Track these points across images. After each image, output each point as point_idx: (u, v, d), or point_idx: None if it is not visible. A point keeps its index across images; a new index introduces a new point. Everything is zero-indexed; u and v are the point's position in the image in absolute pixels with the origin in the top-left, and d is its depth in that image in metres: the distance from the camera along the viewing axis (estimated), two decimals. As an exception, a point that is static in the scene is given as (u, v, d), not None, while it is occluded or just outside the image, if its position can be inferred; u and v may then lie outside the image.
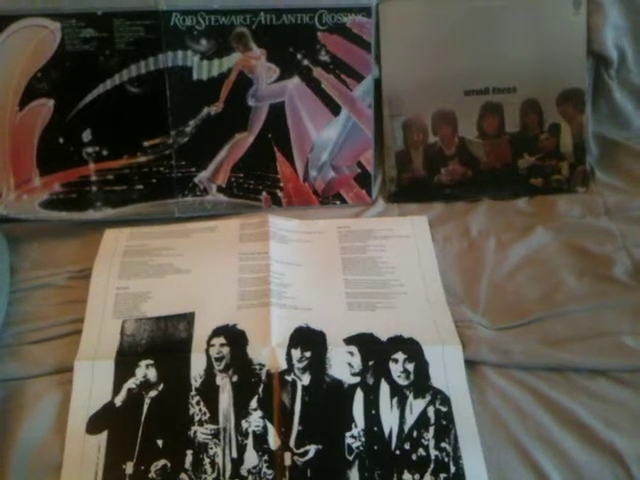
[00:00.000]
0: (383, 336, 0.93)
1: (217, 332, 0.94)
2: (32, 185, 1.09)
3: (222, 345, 0.91)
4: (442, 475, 0.80)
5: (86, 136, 1.09)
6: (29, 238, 1.08)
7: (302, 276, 1.00)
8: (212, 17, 1.08)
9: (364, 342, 0.91)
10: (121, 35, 1.06)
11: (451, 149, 1.17)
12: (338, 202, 1.17)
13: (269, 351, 0.90)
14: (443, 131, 1.17)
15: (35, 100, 1.06)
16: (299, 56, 1.11)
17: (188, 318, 0.95)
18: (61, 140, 1.09)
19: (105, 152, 1.09)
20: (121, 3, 1.04)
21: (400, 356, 0.91)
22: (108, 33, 1.05)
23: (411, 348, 0.91)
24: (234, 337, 0.93)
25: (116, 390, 0.87)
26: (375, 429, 0.83)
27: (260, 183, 1.15)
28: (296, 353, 0.89)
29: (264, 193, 1.16)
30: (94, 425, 0.84)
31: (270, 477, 0.79)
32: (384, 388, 0.87)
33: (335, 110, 1.14)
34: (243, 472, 0.80)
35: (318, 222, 1.11)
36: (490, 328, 0.95)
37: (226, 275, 1.01)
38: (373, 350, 0.91)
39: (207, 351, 0.91)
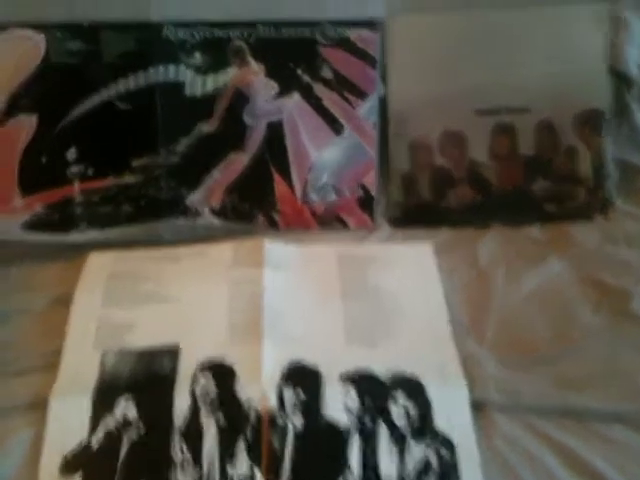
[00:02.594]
0: (382, 373, 0.90)
1: (203, 367, 0.91)
2: (13, 205, 1.07)
3: (208, 381, 0.88)
4: (445, 527, 0.69)
5: (71, 154, 1.08)
6: (8, 260, 1.07)
7: (297, 305, 0.98)
8: (207, 30, 1.07)
9: (362, 379, 0.89)
10: (109, 48, 1.05)
11: (460, 172, 1.15)
12: (339, 226, 1.16)
13: (259, 389, 0.87)
14: (452, 152, 1.15)
15: (17, 115, 1.05)
16: (299, 72, 1.10)
17: (173, 351, 0.93)
18: (44, 158, 1.08)
19: (91, 171, 1.09)
20: (109, 14, 1.03)
21: (400, 395, 0.88)
22: (95, 45, 1.04)
23: (413, 387, 0.88)
24: (221, 372, 0.90)
25: (93, 428, 0.85)
26: (372, 476, 0.81)
27: (256, 205, 1.14)
28: (288, 391, 0.87)
29: (260, 216, 1.14)
30: (68, 465, 0.82)
31: (257, 529, 0.69)
32: (383, 431, 0.84)
33: (337, 129, 1.13)
34: (227, 522, 0.70)
35: (317, 247, 1.09)
36: (498, 366, 0.92)
37: (216, 303, 0.99)
38: (371, 388, 0.88)
39: (192, 388, 0.88)
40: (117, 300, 1.01)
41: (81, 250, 1.07)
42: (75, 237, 1.09)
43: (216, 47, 1.07)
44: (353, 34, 1.09)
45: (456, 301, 1.01)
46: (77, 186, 1.09)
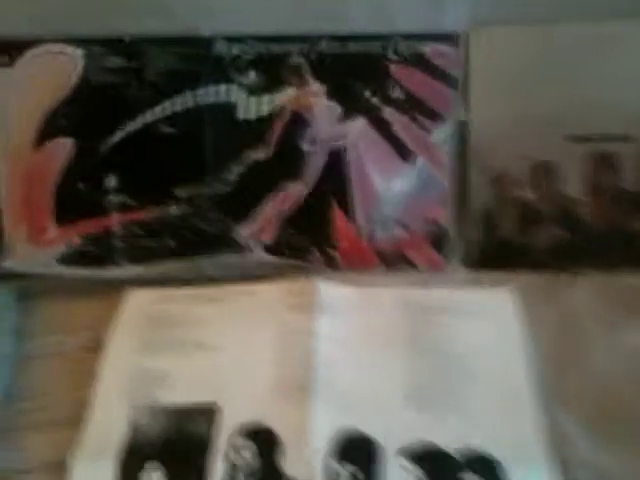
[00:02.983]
0: (450, 447, 0.82)
1: (242, 431, 0.85)
2: (47, 236, 1.05)
3: (247, 449, 0.83)
4: None
5: (110, 182, 1.06)
6: (41, 297, 1.04)
7: (353, 360, 0.92)
8: (262, 45, 1.03)
9: (427, 456, 0.81)
10: (153, 65, 1.02)
11: (548, 207, 1.09)
12: (405, 267, 1.09)
13: (305, 461, 0.80)
14: (539, 185, 1.08)
15: (53, 139, 1.03)
16: (366, 93, 1.05)
17: (209, 410, 0.88)
18: (81, 186, 1.05)
19: (132, 201, 1.05)
20: (153, 27, 1.00)
21: (471, 478, 0.80)
22: (138, 62, 1.02)
23: (486, 467, 0.81)
24: (262, 438, 0.84)
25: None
26: None
27: (312, 241, 1.09)
28: (339, 468, 0.80)
29: (316, 253, 1.09)
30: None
31: None
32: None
33: (407, 157, 1.07)
34: None
35: (379, 291, 1.03)
36: (592, 445, 0.83)
37: (261, 355, 0.94)
38: (439, 468, 0.80)
39: (228, 456, 0.83)
40: (153, 347, 0.97)
41: (119, 287, 1.03)
42: (113, 273, 1.06)
43: (272, 64, 1.03)
44: (429, 49, 1.04)
45: (541, 361, 0.92)
46: (116, 217, 1.05)
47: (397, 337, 0.96)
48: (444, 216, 1.08)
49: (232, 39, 1.02)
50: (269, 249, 1.08)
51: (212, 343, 0.96)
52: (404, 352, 0.93)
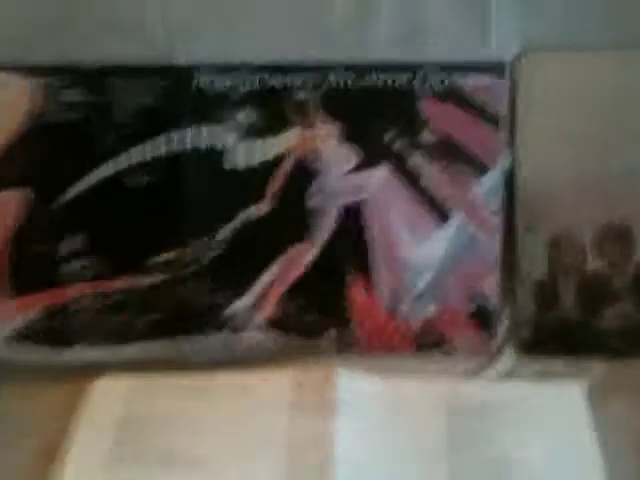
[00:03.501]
0: None
1: None
2: None
3: None
4: None
5: (71, 245, 0.98)
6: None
7: (382, 476, 0.83)
8: (257, 77, 0.95)
9: None
10: (121, 101, 0.94)
11: (622, 280, 1.00)
12: (442, 351, 1.03)
13: None
14: (610, 253, 1.01)
15: (1, 191, 0.96)
16: (390, 135, 0.98)
17: None
18: (37, 248, 0.98)
19: (99, 268, 0.99)
20: (123, 54, 0.93)
21: None
22: (103, 98, 0.94)
23: None
24: None
25: None
26: None
27: (325, 317, 1.02)
28: None
29: (330, 332, 1.03)
30: None
31: None
32: None
33: (442, 216, 1.01)
34: None
35: (411, 385, 0.95)
36: None
37: (263, 475, 0.82)
38: None
39: None
40: (124, 459, 0.87)
41: (84, 373, 0.97)
42: (76, 355, 1.01)
43: (270, 101, 0.96)
44: (467, 82, 0.96)
45: (621, 474, 0.82)
46: (79, 287, 0.98)
47: (436, 447, 0.87)
48: (490, 288, 1.02)
49: (219, 70, 0.94)
50: (270, 328, 1.03)
51: (197, 455, 0.87)
52: (445, 467, 0.84)
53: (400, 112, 0.97)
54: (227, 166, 0.97)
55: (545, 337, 1.03)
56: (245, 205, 0.98)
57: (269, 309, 1.02)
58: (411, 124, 0.97)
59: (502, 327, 1.04)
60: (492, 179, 1.00)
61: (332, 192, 0.99)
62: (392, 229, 1.01)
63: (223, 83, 0.95)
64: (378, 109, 0.96)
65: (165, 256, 0.99)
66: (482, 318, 1.03)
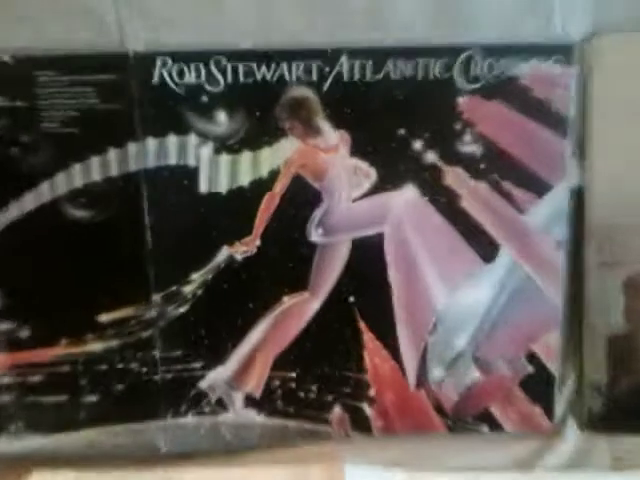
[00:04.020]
0: None
1: None
2: None
3: None
4: None
5: None
6: None
7: None
8: (240, 67, 0.82)
9: None
10: (55, 103, 0.81)
11: None
12: (485, 429, 0.94)
13: None
14: None
15: None
16: (418, 145, 0.85)
17: None
18: None
19: (28, 333, 0.88)
20: (55, 39, 0.81)
21: None
22: (29, 99, 0.81)
23: None
24: None
25: None
26: None
27: (330, 391, 0.92)
28: None
29: (337, 411, 0.92)
30: None
31: None
32: None
33: (487, 251, 0.89)
34: None
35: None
36: None
37: None
38: None
39: None
40: None
41: (18, 465, 0.90)
42: (7, 445, 0.91)
43: (258, 100, 0.84)
44: (523, 71, 0.84)
45: None
46: (5, 358, 0.88)
47: None
48: (550, 347, 0.92)
49: (185, 58, 0.82)
50: (258, 406, 0.92)
51: None
52: None
53: (432, 113, 0.86)
54: (201, 190, 0.86)
55: (620, 410, 0.93)
56: (225, 242, 0.88)
57: (257, 381, 0.92)
58: (447, 129, 0.86)
59: (564, 398, 0.95)
60: (554, 202, 0.89)
61: (340, 223, 0.89)
62: (420, 270, 0.90)
63: (193, 76, 0.82)
64: (402, 109, 0.85)
65: (117, 314, 0.89)
66: (538, 386, 0.94)
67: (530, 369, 0.94)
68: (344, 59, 0.82)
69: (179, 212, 0.87)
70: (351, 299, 0.91)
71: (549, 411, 0.95)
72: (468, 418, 0.95)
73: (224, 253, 0.88)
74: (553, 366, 0.94)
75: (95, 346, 0.90)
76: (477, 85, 0.85)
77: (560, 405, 0.96)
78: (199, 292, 0.89)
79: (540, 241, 0.90)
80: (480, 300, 0.92)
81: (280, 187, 0.87)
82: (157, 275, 0.88)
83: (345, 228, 0.90)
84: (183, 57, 0.82)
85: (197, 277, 0.88)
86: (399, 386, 0.94)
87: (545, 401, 0.95)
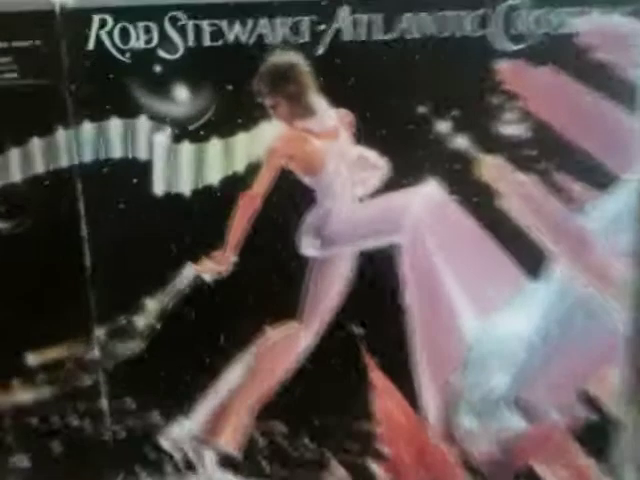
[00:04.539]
0: None
1: None
2: None
3: None
4: None
5: None
6: None
7: None
8: (204, 25, 0.71)
9: None
10: None
11: None
12: None
13: None
14: None
15: None
16: (443, 127, 0.75)
17: None
18: None
19: None
20: None
21: None
22: None
23: None
24: None
25: None
26: None
27: (328, 444, 0.83)
28: None
29: (337, 468, 0.85)
30: None
31: None
32: None
33: (534, 265, 0.78)
34: None
35: None
36: None
37: None
38: None
39: None
40: None
41: None
42: None
43: (227, 70, 0.73)
44: (582, 28, 0.73)
45: None
46: None
47: None
48: (608, 388, 0.83)
49: (135, 14, 0.71)
50: (236, 466, 0.84)
51: None
52: None
53: (463, 84, 0.75)
54: (156, 191, 0.77)
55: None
56: (190, 258, 0.79)
57: (233, 436, 0.85)
58: (482, 105, 0.76)
59: (627, 449, 0.86)
60: (621, 199, 0.79)
61: (341, 231, 0.80)
62: (445, 291, 0.81)
63: (142, 39, 0.73)
64: (422, 79, 0.75)
65: (49, 354, 0.81)
66: (594, 437, 0.85)
67: (585, 414, 0.84)
68: (344, 12, 0.73)
69: (127, 220, 0.78)
70: (355, 330, 0.82)
71: (608, 466, 0.86)
72: (507, 478, 0.86)
73: (188, 273, 0.79)
74: (612, 413, 0.85)
75: (23, 395, 0.83)
76: (521, 45, 0.74)
77: (621, 458, 0.86)
78: (156, 324, 0.80)
79: (602, 250, 0.80)
80: (523, 328, 0.82)
81: (261, 185, 0.76)
82: (100, 302, 0.80)
83: (347, 238, 0.80)
84: (128, 13, 0.73)
85: (153, 305, 0.80)
86: (417, 438, 0.85)
87: (603, 454, 0.86)
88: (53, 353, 0.80)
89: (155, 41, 0.73)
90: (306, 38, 0.73)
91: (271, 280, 0.79)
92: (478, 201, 0.77)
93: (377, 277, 0.80)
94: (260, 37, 0.72)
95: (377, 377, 0.82)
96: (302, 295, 0.80)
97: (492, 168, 0.77)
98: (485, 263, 0.80)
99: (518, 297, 0.81)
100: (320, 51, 0.73)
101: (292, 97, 0.75)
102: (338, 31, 0.72)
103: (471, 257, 0.80)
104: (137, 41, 0.73)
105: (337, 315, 0.80)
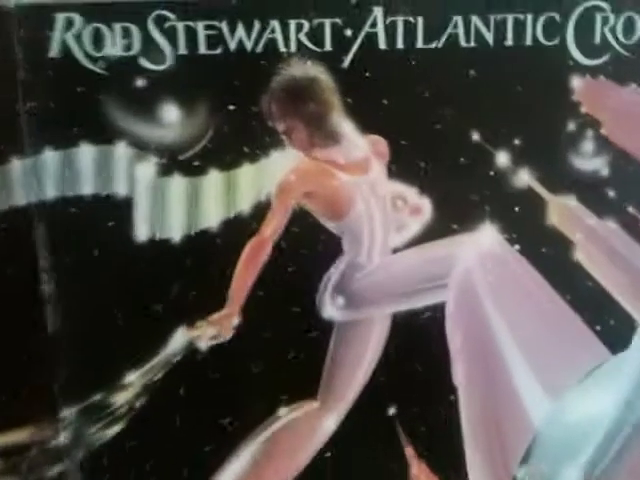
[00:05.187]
0: None
1: None
2: None
3: None
4: None
5: None
6: None
7: None
8: (199, 28, 0.63)
9: None
10: None
11: None
12: None
13: None
14: None
15: None
16: (502, 160, 0.66)
17: None
18: None
19: None
20: None
21: None
22: None
23: None
24: None
25: None
26: None
27: None
28: None
29: None
30: None
31: None
32: None
33: (616, 332, 0.72)
34: None
35: None
36: None
37: None
38: None
39: None
40: None
41: None
42: None
43: (228, 85, 0.64)
44: None
45: None
46: None
47: None
48: None
49: (110, 13, 0.63)
50: None
51: None
52: None
53: (528, 106, 0.66)
54: (138, 236, 0.67)
55: None
56: (182, 321, 0.68)
57: None
58: (552, 133, 0.66)
59: None
60: None
61: (372, 288, 0.70)
62: (505, 365, 0.70)
63: (120, 44, 0.63)
64: (476, 100, 0.65)
65: (8, 438, 0.71)
66: None
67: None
68: (378, 14, 0.64)
69: (101, 273, 0.68)
70: (391, 411, 0.72)
71: None
72: None
73: (180, 339, 0.69)
74: None
75: (-27, 494, 0.78)
76: (604, 59, 0.66)
77: None
78: (140, 402, 0.70)
79: None
80: (603, 411, 0.72)
81: (271, 230, 0.66)
82: (68, 376, 0.70)
83: (379, 297, 0.70)
84: (101, 12, 0.64)
85: (134, 379, 0.69)
86: None
87: None
88: (13, 437, 0.71)
89: (136, 47, 0.63)
90: (328, 46, 0.64)
91: (284, 348, 0.69)
92: (546, 252, 0.68)
93: (417, 345, 0.69)
94: (270, 44, 0.63)
95: (419, 470, 0.74)
96: (324, 368, 0.70)
97: (563, 211, 0.69)
98: (555, 329, 0.70)
99: (596, 372, 0.71)
100: (346, 62, 0.64)
101: (311, 120, 0.65)
102: (370, 37, 0.63)
103: (537, 322, 0.70)
104: (113, 47, 0.64)
105: (368, 392, 0.70)
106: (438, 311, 0.70)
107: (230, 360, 0.69)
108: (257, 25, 0.64)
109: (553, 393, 0.71)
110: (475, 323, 0.70)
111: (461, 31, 0.66)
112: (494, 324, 0.70)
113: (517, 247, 0.68)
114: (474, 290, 0.70)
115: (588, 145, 0.66)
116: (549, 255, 0.68)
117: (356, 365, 0.71)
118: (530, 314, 0.71)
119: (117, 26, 0.63)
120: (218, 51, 0.64)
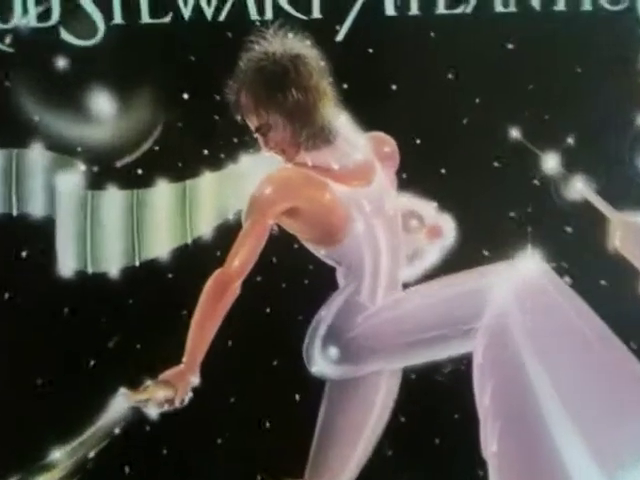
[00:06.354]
0: None
1: None
2: None
3: None
4: None
5: None
6: None
7: None
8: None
9: None
10: None
11: None
12: None
13: None
14: None
15: None
16: (549, 161, 0.58)
17: None
18: None
19: None
20: None
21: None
22: None
23: None
24: None
25: None
26: None
27: None
28: None
29: None
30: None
31: None
32: None
33: None
34: None
35: None
36: None
37: None
38: None
39: None
40: None
41: None
42: None
43: (183, 66, 0.53)
44: None
45: None
46: None
47: None
48: None
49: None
50: None
51: None
52: None
53: (580, 91, 0.55)
54: (61, 269, 0.56)
55: None
56: (122, 381, 0.56)
57: None
58: (613, 127, 0.56)
59: None
60: None
61: (375, 335, 0.58)
62: (549, 431, 0.58)
63: (35, 9, 0.52)
64: (517, 82, 0.54)
65: None
66: None
67: None
68: None
69: (12, 319, 0.58)
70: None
71: None
72: None
73: (121, 404, 0.56)
74: None
75: None
76: None
77: None
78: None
79: None
80: None
81: (241, 260, 0.53)
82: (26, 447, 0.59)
83: (386, 346, 0.58)
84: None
85: (63, 456, 0.56)
86: None
87: None
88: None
89: (56, 16, 0.50)
90: (317, 12, 0.53)
91: (258, 416, 0.60)
92: (606, 286, 0.59)
93: (435, 409, 0.60)
94: (238, 10, 0.51)
95: None
96: (312, 440, 0.58)
97: (629, 232, 0.57)
98: (615, 388, 0.58)
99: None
100: (342, 34, 0.56)
101: (294, 113, 0.51)
102: (373, 2, 0.52)
103: (591, 378, 0.58)
104: (24, 16, 0.51)
105: (370, 472, 0.58)
106: (463, 364, 0.59)
107: (187, 431, 0.61)
108: (223, -13, 0.53)
109: (610, 465, 0.59)
110: (510, 379, 0.58)
111: (495, -8, 0.54)
112: (534, 380, 0.58)
113: (567, 279, 0.60)
114: (510, 337, 0.57)
115: (660, 147, 0.56)
116: (609, 290, 0.62)
117: (355, 436, 0.60)
118: (582, 368, 0.59)
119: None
120: (167, 20, 0.51)
